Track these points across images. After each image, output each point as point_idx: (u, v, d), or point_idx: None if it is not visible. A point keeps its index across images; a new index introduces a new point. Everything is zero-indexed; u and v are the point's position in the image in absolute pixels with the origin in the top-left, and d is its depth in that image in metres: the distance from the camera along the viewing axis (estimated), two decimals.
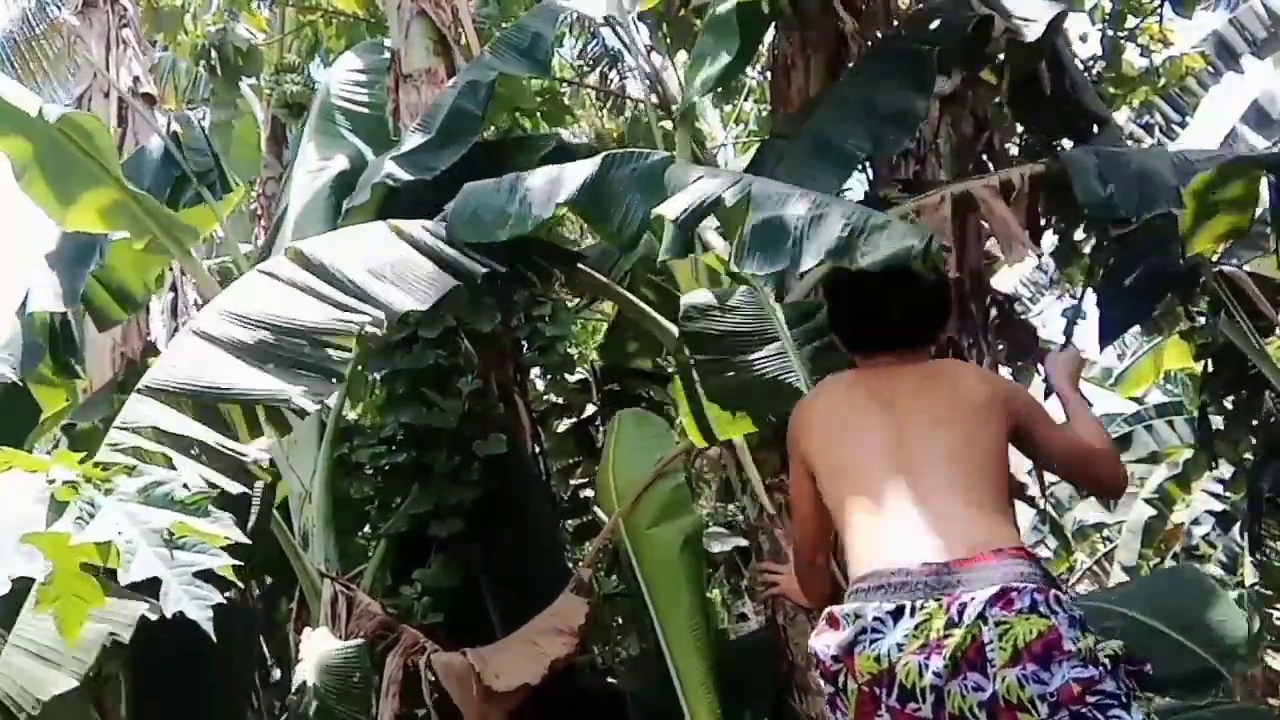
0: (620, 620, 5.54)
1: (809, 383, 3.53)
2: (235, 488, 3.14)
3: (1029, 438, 2.74)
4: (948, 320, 3.07)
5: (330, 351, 3.50)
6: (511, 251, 4.10)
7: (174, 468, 3.08)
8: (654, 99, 6.29)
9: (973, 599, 2.29)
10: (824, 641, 2.47)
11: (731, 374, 3.65)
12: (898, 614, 2.36)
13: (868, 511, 2.58)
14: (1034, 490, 5.36)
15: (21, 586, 1.73)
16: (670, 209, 3.34)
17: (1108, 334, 4.21)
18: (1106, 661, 2.27)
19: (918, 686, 2.29)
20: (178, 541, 1.79)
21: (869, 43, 4.78)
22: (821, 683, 2.49)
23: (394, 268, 3.80)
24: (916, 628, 2.32)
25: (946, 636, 2.28)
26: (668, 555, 4.35)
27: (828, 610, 2.51)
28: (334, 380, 3.46)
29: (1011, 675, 2.24)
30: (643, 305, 4.74)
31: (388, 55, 6.18)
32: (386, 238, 3.98)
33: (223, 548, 1.86)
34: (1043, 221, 4.54)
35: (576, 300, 6.54)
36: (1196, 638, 3.68)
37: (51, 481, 1.84)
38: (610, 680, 5.28)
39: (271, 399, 3.37)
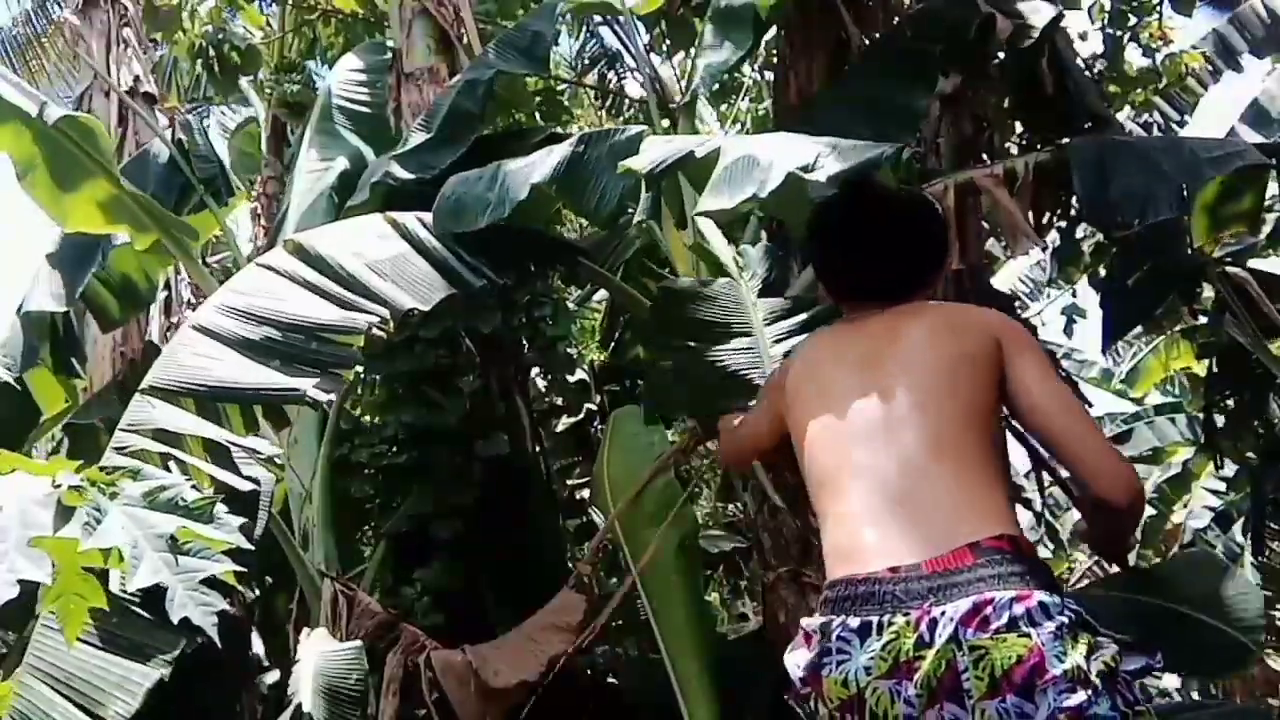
0: (620, 620, 5.54)
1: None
2: (242, 484, 3.12)
3: (1017, 384, 2.31)
4: (942, 266, 2.82)
5: (335, 347, 3.47)
6: (509, 247, 4.10)
7: (180, 467, 3.08)
8: (653, 98, 6.28)
9: (943, 614, 2.05)
10: (794, 660, 2.23)
11: (696, 361, 3.57)
12: (864, 631, 2.11)
13: (837, 500, 2.30)
14: (1030, 493, 5.35)
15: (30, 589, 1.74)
16: (639, 161, 3.26)
17: (1110, 335, 4.18)
18: (1098, 681, 2.01)
19: (889, 715, 2.06)
20: (182, 547, 1.79)
21: (870, 42, 4.78)
22: (796, 705, 2.25)
23: (393, 264, 3.79)
24: (884, 648, 2.08)
25: (918, 659, 2.04)
26: (664, 556, 4.33)
27: (802, 623, 2.27)
28: (340, 374, 3.43)
29: (991, 708, 1.99)
30: (638, 295, 4.73)
31: (389, 55, 6.18)
32: (384, 233, 3.97)
33: (227, 553, 1.85)
34: (1045, 217, 4.53)
35: (576, 292, 6.54)
36: (1216, 614, 3.62)
37: (57, 486, 1.84)
38: (610, 680, 5.28)
39: (283, 395, 3.35)
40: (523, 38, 5.14)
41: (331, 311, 3.55)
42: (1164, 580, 4.05)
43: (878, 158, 2.71)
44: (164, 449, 3.05)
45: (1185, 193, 3.13)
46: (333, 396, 3.44)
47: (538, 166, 3.82)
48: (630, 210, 3.84)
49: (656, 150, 3.32)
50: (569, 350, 6.09)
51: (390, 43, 6.42)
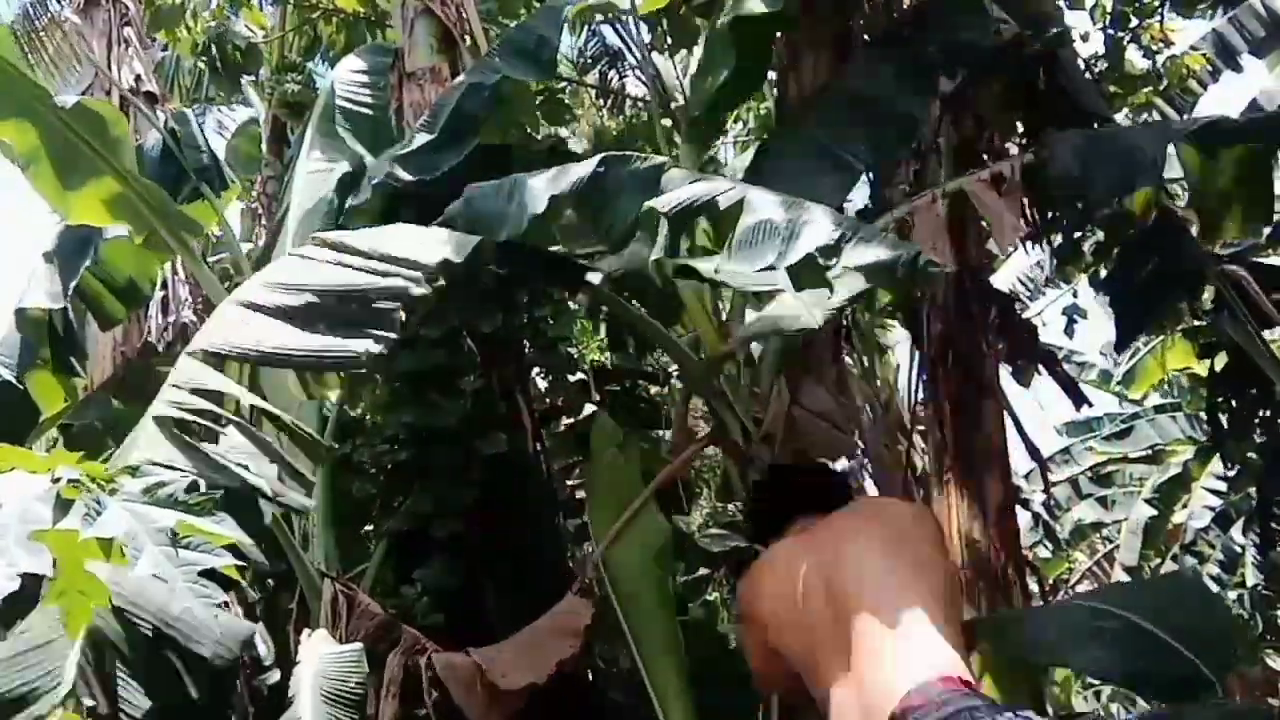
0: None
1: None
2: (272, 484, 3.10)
3: None
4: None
5: (381, 308, 3.43)
6: (515, 257, 4.10)
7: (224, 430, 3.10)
8: (655, 97, 6.28)
9: None
10: None
11: None
12: None
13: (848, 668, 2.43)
14: (1029, 494, 5.34)
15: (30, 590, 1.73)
16: (662, 203, 3.32)
17: (1123, 338, 4.17)
18: None
19: None
20: (182, 540, 1.79)
21: (869, 41, 4.77)
22: None
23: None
24: None
25: None
26: (633, 573, 4.36)
27: None
28: (391, 333, 3.37)
29: None
30: (640, 311, 4.74)
31: (390, 57, 6.18)
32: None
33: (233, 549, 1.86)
34: (1046, 216, 4.52)
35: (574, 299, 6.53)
36: (1188, 641, 3.62)
37: (57, 480, 1.84)
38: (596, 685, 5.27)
39: (339, 359, 3.32)
40: (528, 40, 5.13)
41: (372, 280, 3.52)
42: (1147, 597, 4.05)
43: (894, 261, 2.77)
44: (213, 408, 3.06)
45: (1158, 164, 3.13)
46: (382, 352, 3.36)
47: (557, 181, 3.84)
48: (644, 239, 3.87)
49: (679, 192, 3.35)
50: (569, 350, 6.09)
51: (392, 45, 6.42)
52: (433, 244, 3.73)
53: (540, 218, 3.79)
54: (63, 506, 1.76)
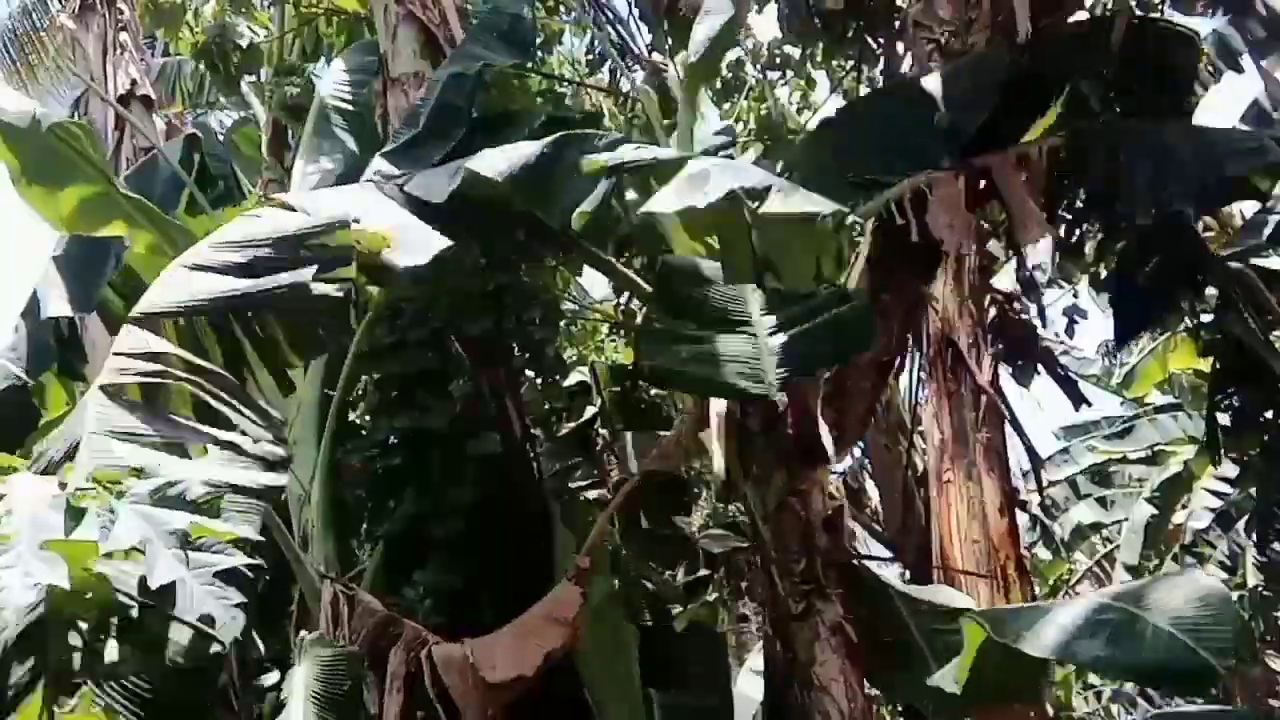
0: None
1: (773, 372, 3.51)
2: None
3: None
4: None
5: (325, 249, 3.46)
6: (499, 223, 4.10)
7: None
8: (654, 96, 6.29)
9: None
10: None
11: (702, 346, 3.66)
12: None
13: None
14: (1026, 494, 5.35)
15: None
16: (604, 158, 3.41)
17: (1123, 336, 4.16)
18: None
19: None
20: (195, 543, 1.78)
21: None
22: None
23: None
24: None
25: None
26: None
27: None
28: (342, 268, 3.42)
29: None
30: (634, 278, 4.73)
31: (376, 56, 6.18)
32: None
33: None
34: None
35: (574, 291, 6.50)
36: (1189, 632, 3.59)
37: (64, 486, 1.83)
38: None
39: (292, 292, 3.32)
40: (500, 21, 5.11)
41: (306, 220, 3.58)
42: (1147, 592, 4.05)
43: (814, 215, 2.87)
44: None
45: (1203, 188, 3.12)
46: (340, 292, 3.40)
47: (507, 158, 3.85)
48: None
49: (621, 151, 3.45)
50: (560, 353, 6.06)
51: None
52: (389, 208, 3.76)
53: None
54: (75, 515, 1.74)
